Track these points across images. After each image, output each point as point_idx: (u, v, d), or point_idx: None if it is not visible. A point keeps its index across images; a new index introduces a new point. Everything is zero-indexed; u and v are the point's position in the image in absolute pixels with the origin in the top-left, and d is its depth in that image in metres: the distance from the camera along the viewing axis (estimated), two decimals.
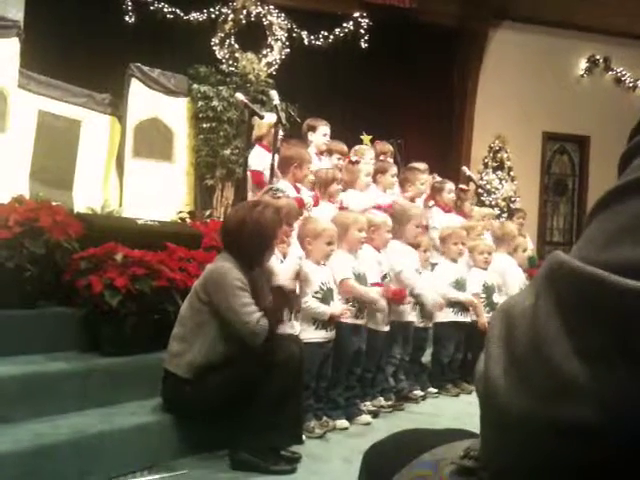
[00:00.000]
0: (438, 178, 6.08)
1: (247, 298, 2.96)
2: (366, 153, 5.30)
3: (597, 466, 0.55)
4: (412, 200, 5.30)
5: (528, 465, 0.59)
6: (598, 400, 0.53)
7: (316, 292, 3.63)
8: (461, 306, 4.93)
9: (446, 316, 4.88)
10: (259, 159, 4.69)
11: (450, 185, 5.75)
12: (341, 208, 4.48)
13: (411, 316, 4.50)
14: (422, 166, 5.86)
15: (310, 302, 3.59)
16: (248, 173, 4.71)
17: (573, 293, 0.56)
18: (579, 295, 0.55)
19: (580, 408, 0.54)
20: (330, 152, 5.19)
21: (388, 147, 5.98)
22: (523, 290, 0.65)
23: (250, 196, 4.59)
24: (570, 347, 0.55)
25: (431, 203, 5.68)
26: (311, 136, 5.25)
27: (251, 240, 3.05)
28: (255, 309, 2.95)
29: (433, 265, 4.98)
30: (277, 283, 3.33)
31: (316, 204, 4.36)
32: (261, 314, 2.96)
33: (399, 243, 4.52)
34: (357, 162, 5.01)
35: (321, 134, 5.24)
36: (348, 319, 3.80)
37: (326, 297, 3.67)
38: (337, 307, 3.68)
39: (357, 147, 5.46)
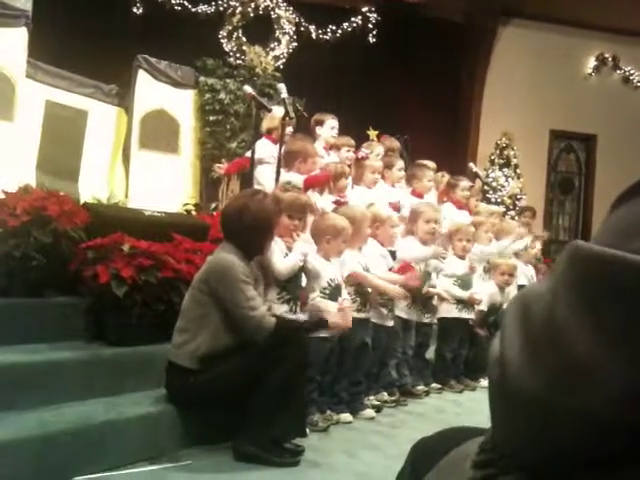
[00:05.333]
0: (447, 176, 6.07)
1: (252, 291, 2.96)
2: (375, 149, 5.29)
3: (605, 456, 0.55)
4: (419, 196, 5.30)
5: (540, 449, 0.59)
6: (612, 388, 0.53)
7: (324, 288, 3.63)
8: (465, 302, 4.93)
9: (450, 312, 4.89)
10: (265, 149, 4.71)
11: (465, 183, 5.76)
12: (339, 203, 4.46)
13: (410, 314, 4.49)
14: (431, 164, 5.86)
15: (317, 301, 3.59)
16: (258, 167, 4.71)
17: (591, 274, 0.56)
18: (597, 276, 0.55)
19: (593, 397, 0.54)
20: (338, 147, 5.18)
21: (396, 144, 5.98)
22: (541, 279, 0.65)
23: (258, 183, 4.60)
24: (587, 330, 0.55)
25: (445, 199, 5.70)
26: (319, 130, 5.24)
27: (252, 228, 3.05)
28: (260, 303, 2.95)
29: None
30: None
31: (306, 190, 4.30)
32: (265, 310, 2.96)
33: (412, 239, 4.53)
34: (365, 158, 5.00)
35: (329, 127, 5.24)
36: (352, 313, 3.80)
37: (333, 293, 3.67)
38: (346, 302, 3.68)
39: (367, 143, 5.46)
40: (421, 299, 4.57)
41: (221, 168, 5.34)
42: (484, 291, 5.10)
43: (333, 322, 3.30)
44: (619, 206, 0.62)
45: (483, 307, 5.06)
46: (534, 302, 0.62)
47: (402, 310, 4.41)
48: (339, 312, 3.49)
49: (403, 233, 4.60)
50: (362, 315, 3.94)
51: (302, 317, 3.51)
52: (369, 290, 4.01)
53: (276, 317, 3.05)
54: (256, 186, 4.65)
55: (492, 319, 4.99)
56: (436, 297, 4.78)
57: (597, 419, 0.53)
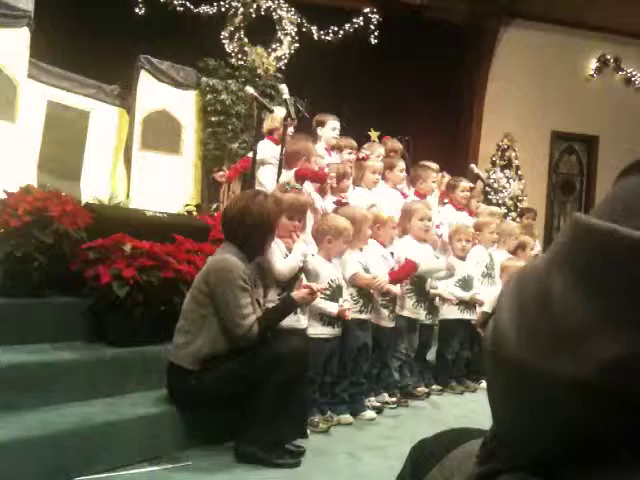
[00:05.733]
0: (447, 176, 6.08)
1: (246, 299, 2.95)
2: (375, 150, 5.29)
3: (599, 423, 0.55)
4: (422, 197, 5.29)
5: (539, 422, 0.59)
6: (605, 355, 0.53)
7: (325, 289, 3.62)
8: (467, 304, 4.92)
9: (452, 313, 4.88)
10: (267, 150, 4.72)
11: (465, 184, 5.76)
12: (340, 203, 4.45)
13: (417, 314, 4.50)
14: (434, 166, 5.85)
15: (317, 301, 3.58)
16: (260, 168, 4.71)
17: (587, 246, 0.57)
18: (592, 248, 0.57)
19: (580, 362, 0.54)
20: (340, 148, 5.18)
21: (398, 145, 5.97)
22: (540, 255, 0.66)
23: (259, 183, 4.61)
24: (576, 298, 0.55)
25: (445, 200, 5.70)
26: (320, 131, 5.23)
27: (253, 229, 3.06)
28: (250, 312, 2.95)
29: None
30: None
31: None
32: (254, 320, 2.95)
33: (408, 238, 4.53)
34: (365, 158, 4.99)
35: (330, 128, 5.22)
36: (353, 314, 3.80)
37: (334, 294, 3.67)
38: (346, 304, 3.69)
39: (367, 144, 5.46)
40: (425, 298, 4.57)
41: (222, 177, 5.33)
42: (490, 293, 5.09)
43: (298, 297, 3.18)
44: (618, 181, 0.64)
45: (487, 309, 5.05)
46: (529, 274, 0.63)
47: (408, 309, 4.42)
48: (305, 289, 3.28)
49: (398, 232, 4.58)
50: (363, 316, 3.94)
51: (303, 319, 3.51)
52: (372, 291, 4.01)
53: (258, 320, 3.00)
54: (258, 187, 4.66)
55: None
56: (437, 298, 4.78)
57: (594, 388, 0.54)
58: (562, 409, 0.56)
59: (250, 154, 4.76)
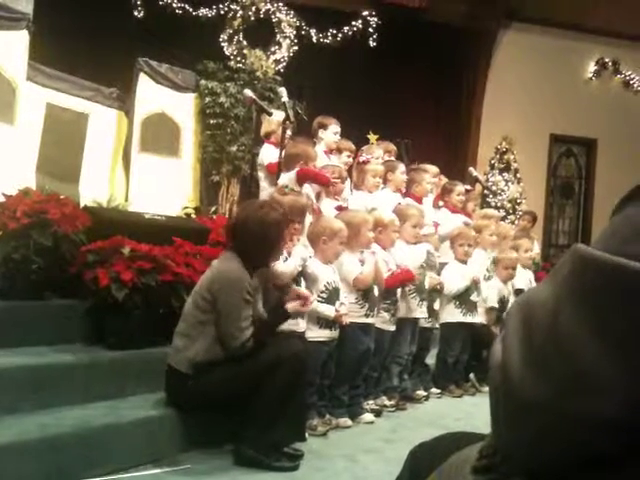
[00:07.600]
0: (444, 179, 6.08)
1: (247, 311, 2.95)
2: (374, 153, 5.28)
3: (614, 457, 0.56)
4: (418, 200, 5.28)
5: (545, 454, 0.59)
6: (618, 392, 0.53)
7: (322, 292, 3.62)
8: (468, 307, 4.91)
9: (454, 316, 4.88)
10: (270, 154, 4.71)
11: (460, 187, 5.75)
12: (340, 208, 4.44)
13: (418, 313, 4.49)
14: (433, 169, 5.84)
15: (314, 304, 3.58)
16: (260, 172, 4.71)
17: (595, 281, 0.57)
18: (601, 282, 0.56)
19: (600, 401, 0.54)
20: (339, 150, 5.17)
21: (392, 147, 5.98)
22: (541, 283, 0.66)
23: (263, 187, 4.62)
24: (591, 336, 0.55)
25: (440, 203, 5.69)
26: (322, 134, 5.22)
27: (255, 241, 3.04)
28: (248, 325, 2.94)
29: (442, 265, 4.97)
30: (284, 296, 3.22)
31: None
32: (251, 333, 2.94)
33: (400, 241, 4.52)
34: (367, 162, 4.98)
35: (332, 132, 5.21)
36: (358, 318, 3.79)
37: (331, 296, 3.66)
38: (342, 308, 3.68)
39: (366, 147, 5.45)
40: (427, 298, 4.57)
41: None
42: (491, 288, 5.14)
43: (292, 309, 3.19)
44: (618, 212, 0.63)
45: (494, 304, 5.10)
46: (536, 309, 0.62)
47: (410, 310, 4.41)
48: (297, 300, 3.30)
49: None
50: (370, 320, 3.92)
51: (302, 323, 3.51)
52: (375, 294, 3.99)
53: (254, 323, 3.00)
54: (264, 184, 4.67)
55: (504, 315, 5.03)
56: (438, 302, 4.77)
57: (607, 421, 0.54)
58: (576, 439, 0.57)
59: (269, 160, 4.71)
